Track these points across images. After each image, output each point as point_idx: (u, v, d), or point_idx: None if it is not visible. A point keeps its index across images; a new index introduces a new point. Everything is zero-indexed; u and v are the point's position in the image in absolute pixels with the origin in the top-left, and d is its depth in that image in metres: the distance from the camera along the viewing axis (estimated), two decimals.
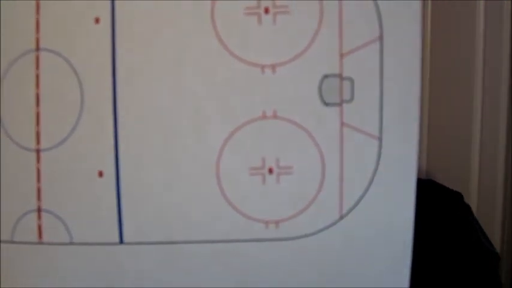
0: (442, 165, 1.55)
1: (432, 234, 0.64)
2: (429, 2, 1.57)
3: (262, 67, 0.41)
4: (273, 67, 0.41)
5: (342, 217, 0.42)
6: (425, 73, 1.58)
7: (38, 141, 0.42)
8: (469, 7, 1.42)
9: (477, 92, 1.41)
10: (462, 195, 0.69)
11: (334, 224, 0.42)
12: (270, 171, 0.42)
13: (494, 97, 1.37)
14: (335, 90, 0.41)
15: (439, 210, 0.67)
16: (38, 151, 0.42)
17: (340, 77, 0.41)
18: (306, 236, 0.42)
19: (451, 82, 1.51)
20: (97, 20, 0.42)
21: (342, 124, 0.41)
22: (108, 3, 0.41)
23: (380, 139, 0.41)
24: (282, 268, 0.43)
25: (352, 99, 0.41)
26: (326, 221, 0.42)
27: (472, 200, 1.40)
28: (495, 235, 1.36)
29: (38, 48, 0.42)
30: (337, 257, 0.43)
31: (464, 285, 0.63)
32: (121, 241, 0.43)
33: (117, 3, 0.41)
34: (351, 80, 0.41)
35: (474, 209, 1.35)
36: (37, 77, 0.42)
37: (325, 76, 0.41)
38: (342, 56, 0.41)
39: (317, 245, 0.42)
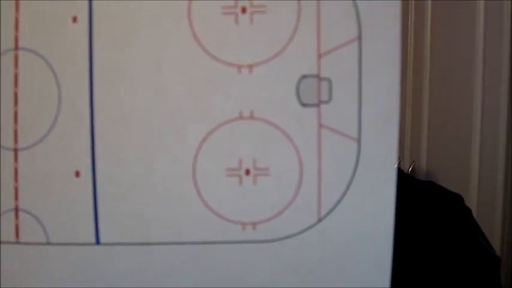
0: (442, 165, 1.55)
1: (432, 237, 0.63)
2: (429, 2, 1.57)
3: (239, 67, 0.41)
4: (250, 67, 0.41)
5: (320, 219, 0.42)
6: (425, 73, 1.58)
7: (16, 140, 0.42)
8: (469, 7, 1.42)
9: (477, 92, 1.41)
10: (462, 198, 0.69)
11: (312, 226, 0.42)
12: (247, 172, 0.41)
13: (494, 97, 1.37)
14: (313, 90, 0.41)
15: (439, 213, 0.67)
16: (15, 150, 0.42)
17: (318, 77, 0.41)
18: (284, 238, 0.42)
19: (451, 82, 1.51)
20: (75, 19, 0.41)
21: (320, 125, 0.41)
22: (86, 2, 0.41)
23: (359, 141, 0.41)
24: (260, 270, 0.42)
25: (330, 100, 0.41)
26: (304, 223, 0.42)
27: (472, 201, 1.40)
28: (495, 235, 1.36)
29: (16, 47, 0.42)
30: (315, 260, 0.42)
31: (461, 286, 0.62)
32: (97, 241, 0.42)
33: (94, 2, 0.41)
34: (329, 81, 0.41)
35: (474, 209, 1.36)
36: (16, 76, 0.42)
37: (303, 76, 0.41)
38: (319, 56, 0.41)
39: (295, 247, 0.42)
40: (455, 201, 0.70)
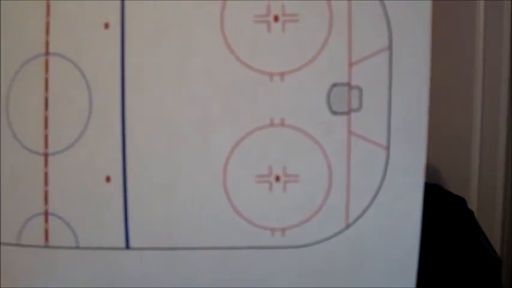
0: (442, 165, 1.56)
1: (435, 239, 0.64)
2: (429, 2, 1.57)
3: (271, 75, 0.41)
4: (282, 75, 0.41)
5: (348, 226, 0.42)
6: None
7: (46, 145, 0.42)
8: (469, 7, 1.42)
9: (477, 92, 1.41)
10: (465, 201, 0.69)
11: (340, 232, 0.42)
12: (277, 179, 0.42)
13: (494, 97, 1.37)
14: (343, 99, 0.41)
15: (442, 215, 0.68)
16: (46, 155, 0.42)
17: (349, 85, 0.41)
18: (312, 244, 0.42)
19: (451, 82, 1.51)
20: (107, 26, 0.42)
21: (350, 133, 0.41)
22: (118, 9, 0.41)
23: (388, 148, 0.41)
24: (288, 276, 0.43)
25: (360, 108, 0.41)
26: (332, 230, 0.42)
27: (472, 201, 1.41)
28: (495, 236, 1.37)
29: (47, 52, 0.42)
30: (342, 266, 0.43)
31: None
32: (127, 246, 0.43)
33: (127, 9, 0.41)
34: (360, 89, 0.41)
35: (474, 209, 1.36)
36: (46, 80, 0.42)
37: (334, 85, 0.41)
38: (350, 65, 0.41)
39: (323, 253, 0.42)
40: (458, 204, 0.71)
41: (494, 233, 1.35)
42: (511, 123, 1.35)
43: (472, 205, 1.38)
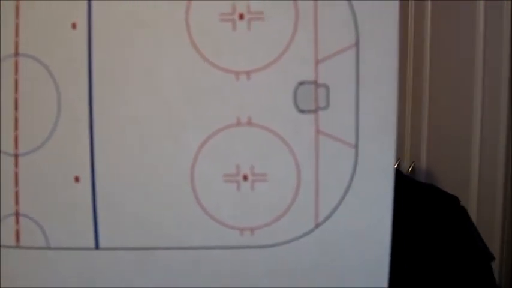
0: (442, 165, 1.56)
1: (427, 236, 0.64)
2: (429, 2, 1.57)
3: (237, 73, 0.41)
4: (248, 74, 0.41)
5: (317, 225, 0.42)
6: (425, 73, 1.58)
7: (16, 146, 0.42)
8: (469, 7, 1.42)
9: (477, 92, 1.41)
10: (458, 199, 0.70)
11: (309, 232, 0.42)
12: (245, 178, 0.42)
13: (494, 97, 1.37)
14: (310, 97, 0.41)
15: (435, 213, 0.68)
16: (16, 156, 0.42)
17: (316, 83, 0.41)
18: (282, 244, 0.42)
19: (451, 82, 1.51)
20: (74, 25, 0.42)
21: (318, 131, 0.41)
22: (85, 9, 0.41)
23: (356, 147, 0.41)
24: (257, 275, 0.43)
25: (327, 106, 0.41)
26: (301, 229, 0.42)
27: (472, 200, 1.41)
28: (495, 236, 1.36)
29: (17, 53, 0.42)
30: (312, 265, 0.43)
31: (459, 286, 0.63)
32: (96, 246, 0.43)
33: (94, 9, 0.41)
34: (327, 87, 0.41)
35: (474, 209, 1.36)
36: (16, 82, 0.42)
37: (301, 83, 0.41)
38: (317, 62, 0.41)
39: (292, 253, 0.42)
40: (451, 202, 0.71)
41: (494, 233, 1.35)
42: (511, 123, 1.34)
43: (472, 204, 1.38)
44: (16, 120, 0.42)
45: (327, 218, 0.42)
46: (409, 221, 0.62)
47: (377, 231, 0.42)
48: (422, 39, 1.56)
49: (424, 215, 0.67)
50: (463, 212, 0.71)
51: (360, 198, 0.42)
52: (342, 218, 0.42)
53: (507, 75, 1.34)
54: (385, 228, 0.42)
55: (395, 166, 0.42)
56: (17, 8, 0.42)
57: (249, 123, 0.41)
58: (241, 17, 0.41)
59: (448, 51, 1.50)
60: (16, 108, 0.42)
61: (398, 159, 1.58)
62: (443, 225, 0.66)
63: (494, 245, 1.34)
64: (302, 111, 0.41)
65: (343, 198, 0.41)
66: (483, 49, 1.39)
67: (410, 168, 1.64)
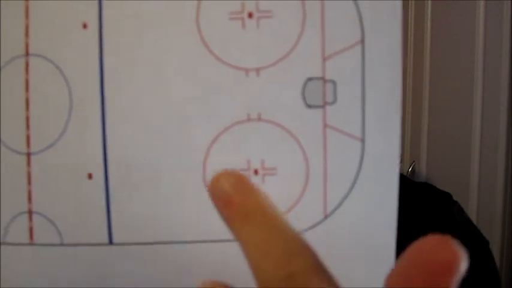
0: (442, 165, 1.56)
1: (423, 229, 0.65)
2: (429, 2, 1.58)
3: (247, 70, 0.42)
4: (257, 70, 0.42)
5: (326, 217, 0.43)
6: (425, 73, 1.59)
7: (28, 145, 0.43)
8: (469, 7, 1.43)
9: (477, 92, 1.42)
10: (451, 195, 0.71)
11: (319, 223, 0.43)
12: (255, 172, 0.43)
13: (494, 97, 1.38)
14: (318, 92, 0.42)
15: (430, 207, 0.69)
16: (28, 154, 0.43)
17: (323, 79, 0.42)
18: None
19: (451, 82, 1.51)
20: (85, 25, 0.42)
21: (325, 126, 0.42)
22: (96, 9, 0.42)
23: (363, 140, 0.42)
24: None
25: (335, 101, 0.42)
26: (311, 221, 0.43)
27: (472, 200, 1.41)
28: (495, 236, 1.37)
29: (27, 54, 0.43)
30: (322, 255, 0.43)
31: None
32: (110, 242, 0.43)
33: (104, 8, 0.42)
34: (334, 83, 0.42)
35: (474, 208, 1.37)
36: (27, 81, 0.43)
37: (309, 79, 0.42)
38: (324, 59, 0.42)
39: None
40: (444, 197, 0.73)
41: (494, 233, 1.35)
42: (511, 123, 1.35)
43: (472, 204, 1.39)
44: (27, 119, 0.43)
45: (336, 208, 0.43)
46: (404, 217, 0.63)
47: (383, 220, 0.43)
48: (422, 39, 1.57)
49: (419, 209, 0.68)
50: (456, 204, 0.72)
51: (367, 188, 0.43)
52: (350, 208, 0.43)
53: (507, 75, 1.35)
54: (391, 215, 0.43)
55: (398, 163, 0.43)
56: (27, 8, 0.43)
57: (259, 118, 0.42)
58: (250, 15, 0.42)
59: (448, 51, 1.51)
60: (27, 107, 0.43)
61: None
62: (436, 219, 0.68)
63: (494, 245, 1.34)
64: (310, 106, 0.42)
65: (350, 189, 0.42)
66: (483, 49, 1.40)
67: (410, 169, 1.65)
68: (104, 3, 0.42)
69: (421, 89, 1.60)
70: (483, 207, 1.40)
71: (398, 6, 0.42)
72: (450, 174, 1.51)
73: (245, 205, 0.29)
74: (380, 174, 0.42)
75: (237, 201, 0.29)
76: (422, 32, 1.57)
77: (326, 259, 0.44)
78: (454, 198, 0.74)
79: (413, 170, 1.65)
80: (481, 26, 1.40)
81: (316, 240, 0.43)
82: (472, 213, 1.37)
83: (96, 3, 0.42)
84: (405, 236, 0.63)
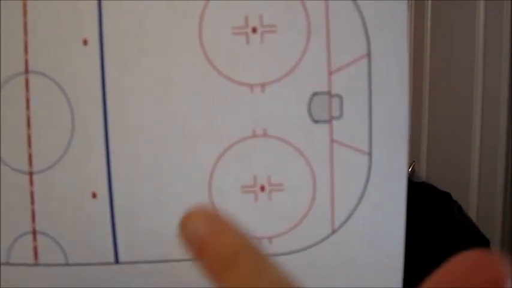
0: (442, 165, 1.56)
1: (425, 228, 0.65)
2: (429, 2, 1.58)
3: (251, 86, 0.41)
4: (262, 86, 0.41)
5: (334, 231, 0.42)
6: (425, 73, 1.58)
7: (30, 164, 0.43)
8: (469, 7, 1.42)
9: (477, 92, 1.42)
10: (450, 194, 0.72)
11: (326, 238, 0.42)
12: (262, 188, 0.42)
13: (494, 97, 1.37)
14: (324, 107, 0.41)
15: (430, 207, 0.70)
16: (30, 174, 0.43)
17: (329, 94, 0.41)
18: (299, 250, 0.42)
19: (451, 82, 1.51)
20: (85, 42, 0.42)
21: (332, 141, 0.42)
22: (96, 25, 0.42)
23: (370, 154, 0.42)
24: None
25: (341, 116, 0.42)
26: (319, 236, 0.42)
27: (472, 200, 1.41)
28: (495, 236, 1.37)
29: (27, 71, 0.42)
30: (330, 270, 0.43)
31: None
32: (116, 261, 0.43)
33: (104, 24, 0.42)
34: (340, 97, 0.41)
35: (474, 209, 1.37)
36: (27, 99, 0.42)
37: (314, 94, 0.41)
38: (330, 73, 0.41)
39: (310, 259, 0.43)
40: (444, 197, 0.73)
41: (494, 233, 1.35)
42: (511, 123, 1.35)
43: (472, 204, 1.39)
44: (29, 137, 0.43)
45: (343, 223, 0.42)
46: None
47: (391, 233, 0.43)
48: (422, 39, 1.57)
49: (419, 209, 0.68)
50: (456, 204, 0.72)
51: (374, 202, 0.42)
52: (358, 223, 0.42)
53: (507, 75, 1.34)
54: (398, 229, 0.43)
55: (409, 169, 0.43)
56: (25, 25, 0.42)
57: (265, 134, 0.42)
58: (254, 30, 0.41)
59: (448, 52, 1.50)
60: (28, 125, 0.42)
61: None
62: (436, 219, 0.68)
63: (494, 245, 1.34)
64: (316, 122, 0.42)
65: (358, 203, 0.42)
66: (483, 49, 1.39)
67: (410, 169, 1.64)
68: (104, 19, 0.42)
69: (421, 89, 1.59)
70: (483, 207, 1.40)
71: (403, 19, 0.41)
72: (450, 174, 1.51)
73: (222, 247, 0.26)
74: (387, 188, 0.42)
75: (212, 242, 0.26)
76: (422, 32, 1.57)
77: (334, 274, 0.44)
78: (454, 198, 0.73)
79: (413, 170, 1.64)
80: (481, 26, 1.39)
81: (324, 255, 0.43)
82: (472, 213, 1.36)
83: (96, 20, 0.42)
84: (405, 236, 0.63)
